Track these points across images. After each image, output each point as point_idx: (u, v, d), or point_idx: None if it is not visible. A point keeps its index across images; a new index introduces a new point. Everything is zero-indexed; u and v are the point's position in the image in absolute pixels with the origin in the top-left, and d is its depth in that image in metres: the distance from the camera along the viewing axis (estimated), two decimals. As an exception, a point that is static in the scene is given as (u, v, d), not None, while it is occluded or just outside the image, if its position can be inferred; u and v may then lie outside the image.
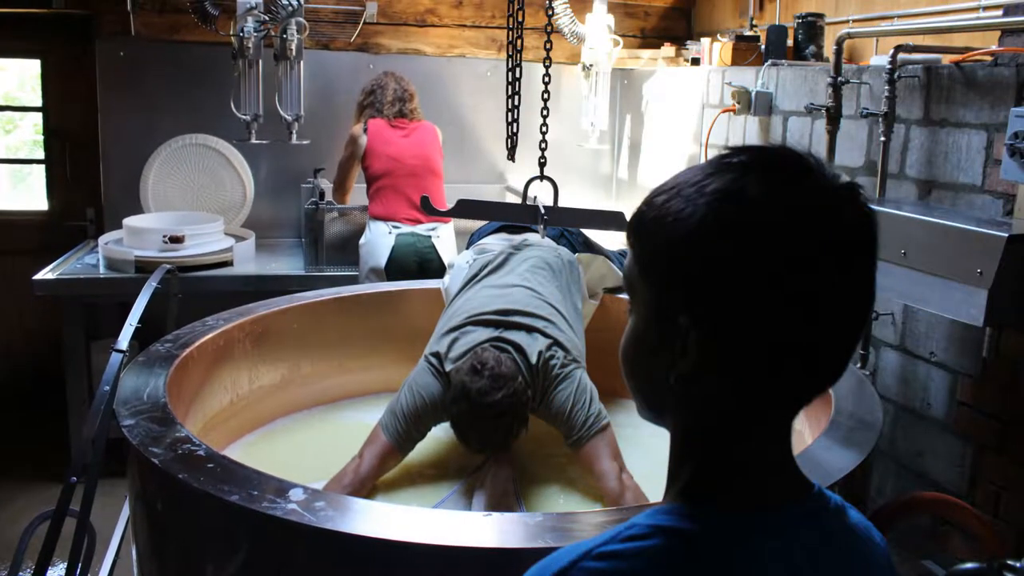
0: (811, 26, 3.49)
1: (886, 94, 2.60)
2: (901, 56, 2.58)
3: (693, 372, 0.77)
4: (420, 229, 3.88)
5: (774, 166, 0.78)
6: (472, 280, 2.60)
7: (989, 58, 2.43)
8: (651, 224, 0.80)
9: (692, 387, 0.78)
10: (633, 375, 0.85)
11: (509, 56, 2.86)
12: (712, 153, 3.73)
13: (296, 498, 1.53)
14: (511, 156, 2.97)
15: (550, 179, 2.57)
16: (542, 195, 2.77)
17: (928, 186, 2.60)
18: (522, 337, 2.31)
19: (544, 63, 2.77)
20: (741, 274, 0.74)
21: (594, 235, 3.09)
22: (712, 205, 0.75)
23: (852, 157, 2.90)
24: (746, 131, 3.54)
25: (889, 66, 2.58)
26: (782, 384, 0.78)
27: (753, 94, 3.35)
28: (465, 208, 2.63)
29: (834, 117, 2.83)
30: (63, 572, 1.87)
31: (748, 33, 3.85)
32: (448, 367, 2.28)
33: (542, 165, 2.61)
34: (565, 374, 2.29)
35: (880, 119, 2.64)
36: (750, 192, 0.75)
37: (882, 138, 2.66)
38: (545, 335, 2.34)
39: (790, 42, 3.58)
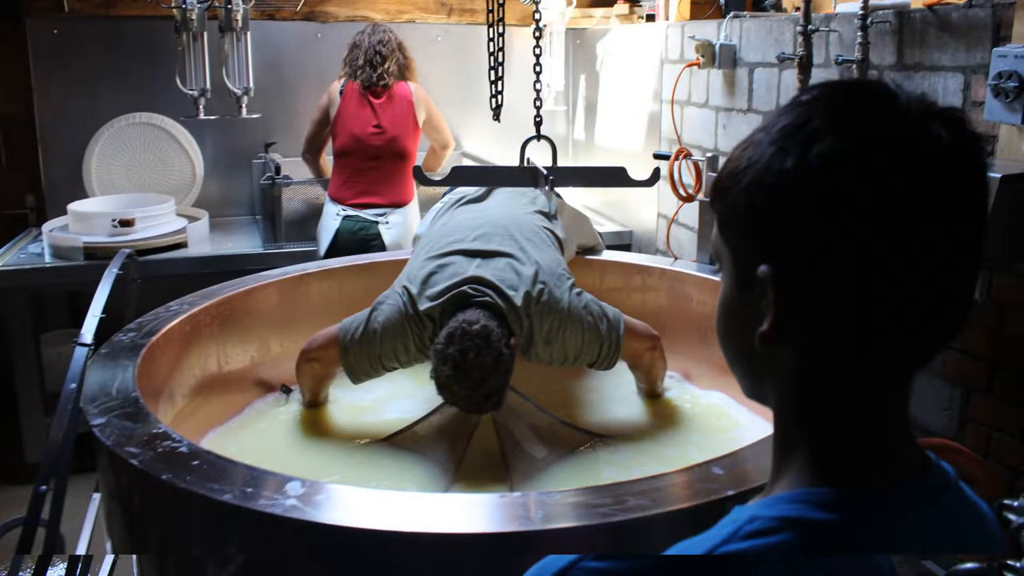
0: (770, -24, 3.45)
1: (859, 40, 2.57)
2: (871, 2, 2.55)
3: (776, 330, 0.71)
4: (368, 214, 3.62)
5: (844, 95, 0.73)
6: (451, 207, 2.59)
7: (962, 0, 2.40)
8: (727, 180, 0.74)
9: (778, 351, 0.72)
10: (726, 348, 0.80)
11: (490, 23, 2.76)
12: (678, 109, 3.70)
13: (295, 492, 1.45)
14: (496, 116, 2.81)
15: (548, 138, 2.45)
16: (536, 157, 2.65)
17: (904, 132, 2.58)
18: (505, 272, 2.29)
19: (534, 16, 2.67)
20: (811, 209, 0.68)
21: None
22: (776, 142, 0.70)
23: (823, 106, 2.87)
24: (710, 85, 3.49)
25: (861, 11, 2.55)
26: (873, 342, 0.70)
27: (717, 47, 3.30)
28: (461, 175, 2.49)
29: (805, 66, 2.79)
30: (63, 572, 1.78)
31: (706, -14, 3.79)
32: (424, 305, 2.25)
33: (538, 124, 2.48)
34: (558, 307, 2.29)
35: (855, 66, 2.61)
36: (814, 123, 0.69)
37: (856, 85, 2.63)
38: (526, 262, 2.33)
39: (749, -7, 3.55)
